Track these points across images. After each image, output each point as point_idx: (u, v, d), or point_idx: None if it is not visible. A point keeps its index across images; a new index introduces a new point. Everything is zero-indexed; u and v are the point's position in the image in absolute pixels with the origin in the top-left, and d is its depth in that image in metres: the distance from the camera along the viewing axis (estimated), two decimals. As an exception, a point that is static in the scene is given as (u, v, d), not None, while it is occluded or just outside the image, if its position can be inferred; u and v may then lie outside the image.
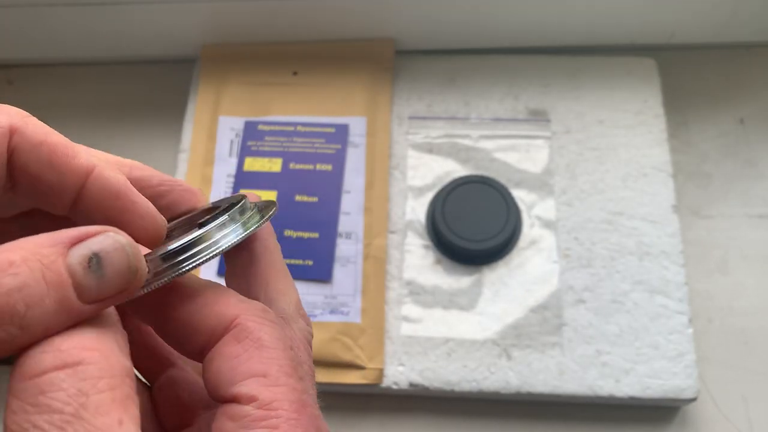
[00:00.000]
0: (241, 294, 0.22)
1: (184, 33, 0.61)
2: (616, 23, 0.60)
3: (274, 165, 0.56)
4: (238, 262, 0.25)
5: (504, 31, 0.60)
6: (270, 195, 0.55)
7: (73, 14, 0.58)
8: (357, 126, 0.58)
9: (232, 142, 0.57)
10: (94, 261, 0.18)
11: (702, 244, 0.55)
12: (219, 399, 0.20)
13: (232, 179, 0.56)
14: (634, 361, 0.49)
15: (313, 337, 0.24)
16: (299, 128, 0.57)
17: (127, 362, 0.19)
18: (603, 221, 0.53)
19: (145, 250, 0.21)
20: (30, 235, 0.18)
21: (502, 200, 0.53)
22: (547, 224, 0.54)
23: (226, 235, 0.21)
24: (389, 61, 0.60)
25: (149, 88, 0.64)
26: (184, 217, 0.25)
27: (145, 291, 0.20)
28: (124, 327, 0.21)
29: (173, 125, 0.60)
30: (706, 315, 0.53)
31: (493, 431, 0.50)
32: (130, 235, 0.20)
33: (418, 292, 0.52)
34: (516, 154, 0.56)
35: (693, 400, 0.48)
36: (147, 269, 0.20)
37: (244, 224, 0.22)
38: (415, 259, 0.53)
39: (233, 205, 0.22)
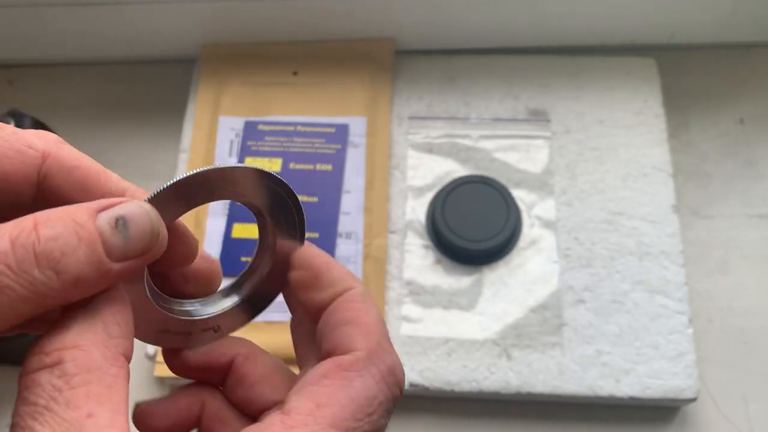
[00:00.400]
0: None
1: (184, 33, 0.61)
2: (616, 23, 0.60)
3: (274, 165, 0.56)
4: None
5: (504, 31, 0.60)
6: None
7: (73, 14, 0.58)
8: (357, 126, 0.58)
9: (232, 142, 0.57)
10: (121, 222, 0.20)
11: (702, 244, 0.55)
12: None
13: (232, 179, 0.56)
14: (634, 361, 0.49)
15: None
16: (299, 128, 0.57)
17: (113, 349, 0.20)
18: (603, 221, 0.53)
19: None
20: None
21: (502, 200, 0.53)
22: (547, 224, 0.54)
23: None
24: (389, 61, 0.60)
25: (149, 88, 0.64)
26: None
27: None
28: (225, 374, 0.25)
29: (173, 125, 0.60)
30: (706, 315, 0.53)
31: (493, 431, 0.50)
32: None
33: (418, 292, 0.52)
34: (516, 154, 0.56)
35: (693, 400, 0.48)
36: (167, 235, 0.21)
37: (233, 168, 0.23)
38: (415, 259, 0.53)
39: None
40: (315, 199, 0.54)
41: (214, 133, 0.58)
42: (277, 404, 0.24)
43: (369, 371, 0.22)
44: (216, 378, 0.26)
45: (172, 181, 0.22)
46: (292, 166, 0.56)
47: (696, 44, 0.62)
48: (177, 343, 0.25)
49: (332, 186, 0.55)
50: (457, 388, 0.49)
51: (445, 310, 0.51)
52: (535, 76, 0.59)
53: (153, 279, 0.24)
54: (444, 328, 0.51)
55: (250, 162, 0.56)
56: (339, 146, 0.57)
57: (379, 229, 0.54)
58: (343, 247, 0.53)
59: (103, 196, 0.22)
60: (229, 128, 0.58)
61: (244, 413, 0.26)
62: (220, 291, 0.27)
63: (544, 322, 0.50)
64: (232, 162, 0.56)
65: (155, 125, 0.62)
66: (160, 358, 0.50)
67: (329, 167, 0.56)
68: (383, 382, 0.22)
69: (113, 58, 0.65)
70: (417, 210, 0.55)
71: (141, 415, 0.25)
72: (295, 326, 0.27)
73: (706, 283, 0.54)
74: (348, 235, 0.54)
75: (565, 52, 0.61)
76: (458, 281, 0.52)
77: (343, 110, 0.58)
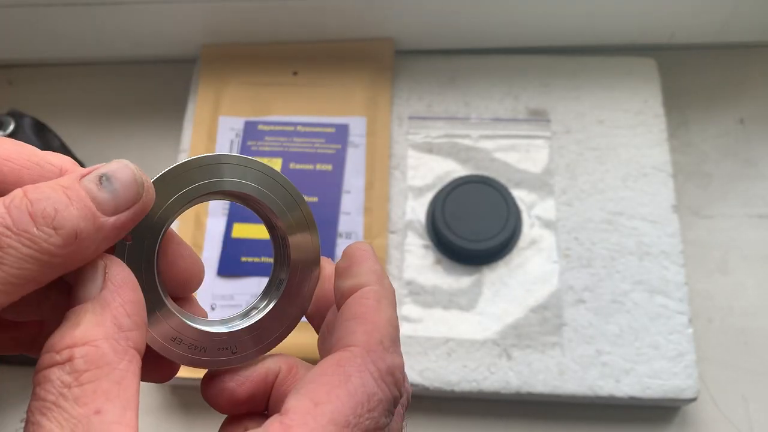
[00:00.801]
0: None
1: (184, 33, 0.61)
2: (616, 23, 0.60)
3: (274, 165, 0.56)
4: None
5: (504, 31, 0.60)
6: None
7: (73, 14, 0.58)
8: (357, 126, 0.58)
9: (232, 142, 0.57)
10: (105, 179, 0.21)
11: (702, 244, 0.55)
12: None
13: (232, 179, 0.56)
14: (634, 361, 0.49)
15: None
16: (299, 128, 0.57)
17: (123, 344, 0.20)
18: (603, 221, 0.53)
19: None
20: None
21: (502, 200, 0.53)
22: (547, 224, 0.54)
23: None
24: (389, 61, 0.60)
25: (149, 88, 0.64)
26: None
27: None
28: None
29: (173, 125, 0.60)
30: (706, 315, 0.53)
31: (493, 431, 0.50)
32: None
33: (418, 292, 0.52)
34: (516, 154, 0.56)
35: (693, 400, 0.48)
36: (152, 185, 0.22)
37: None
38: (415, 259, 0.53)
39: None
40: (315, 199, 0.54)
41: (214, 133, 0.58)
42: None
43: (367, 368, 0.22)
44: (262, 400, 0.25)
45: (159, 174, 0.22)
46: (292, 166, 0.56)
47: (696, 44, 0.62)
48: (185, 360, 0.24)
49: (332, 186, 0.55)
50: (457, 388, 0.49)
51: (445, 310, 0.51)
52: (535, 76, 0.59)
53: None
54: (444, 328, 0.51)
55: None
56: (339, 146, 0.57)
57: (379, 229, 0.54)
58: (343, 247, 0.53)
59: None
60: (229, 128, 0.58)
61: None
62: (240, 313, 0.26)
63: (544, 322, 0.50)
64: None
65: (155, 125, 0.62)
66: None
67: (329, 167, 0.56)
68: (382, 380, 0.22)
69: (113, 58, 0.65)
70: (417, 210, 0.55)
71: (215, 379, 0.25)
72: (321, 345, 0.26)
73: (706, 283, 0.54)
74: (348, 235, 0.54)
75: (565, 52, 0.61)
76: (458, 281, 0.52)
77: (343, 110, 0.58)
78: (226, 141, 0.57)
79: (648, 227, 0.53)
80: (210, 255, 0.52)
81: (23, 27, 0.60)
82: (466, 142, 0.57)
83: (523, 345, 0.50)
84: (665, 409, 0.50)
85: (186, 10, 0.58)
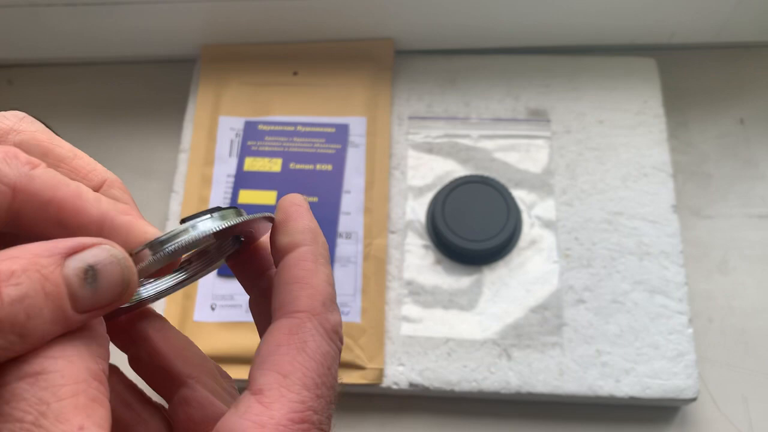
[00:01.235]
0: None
1: (184, 33, 0.61)
2: (616, 23, 0.60)
3: (274, 165, 0.56)
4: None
5: (504, 31, 0.60)
6: (270, 195, 0.55)
7: (73, 14, 0.58)
8: (357, 126, 0.58)
9: (232, 142, 0.57)
10: (91, 273, 0.19)
11: (702, 244, 0.55)
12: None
13: (232, 179, 0.56)
14: (634, 361, 0.49)
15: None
16: (299, 128, 0.57)
17: (95, 365, 0.19)
18: (603, 221, 0.53)
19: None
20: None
21: (502, 200, 0.53)
22: (547, 224, 0.54)
23: (205, 222, 0.22)
24: (389, 61, 0.60)
25: (149, 88, 0.64)
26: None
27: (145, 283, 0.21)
28: (135, 344, 0.24)
29: (173, 125, 0.60)
30: (706, 315, 0.53)
31: (493, 431, 0.50)
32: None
33: (418, 292, 0.52)
34: (516, 154, 0.56)
35: (693, 400, 0.48)
36: (138, 282, 0.21)
37: (222, 217, 0.23)
38: (415, 259, 0.53)
39: (219, 209, 0.24)
40: (315, 199, 0.55)
41: (214, 133, 0.58)
42: (189, 378, 0.25)
43: (317, 331, 0.23)
44: (125, 342, 0.25)
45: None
46: (292, 166, 0.56)
47: (696, 44, 0.62)
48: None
49: (332, 186, 0.55)
50: (457, 388, 0.49)
51: (445, 310, 0.51)
52: (535, 76, 0.59)
53: None
54: (444, 328, 0.51)
55: (251, 162, 0.56)
56: (339, 146, 0.57)
57: (379, 229, 0.54)
58: (343, 247, 0.53)
59: (80, 231, 0.21)
60: (229, 128, 0.58)
61: (154, 387, 0.25)
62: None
63: (544, 322, 0.50)
64: (233, 162, 0.56)
65: (155, 125, 0.62)
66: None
67: (329, 167, 0.56)
68: (330, 339, 0.23)
69: (113, 58, 0.65)
70: (417, 210, 0.55)
71: None
72: (253, 305, 0.27)
73: (706, 283, 0.54)
74: (348, 235, 0.54)
75: (565, 52, 0.61)
76: (458, 281, 0.52)
77: (343, 110, 0.58)
78: (226, 141, 0.57)
79: (648, 227, 0.53)
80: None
81: (23, 27, 0.60)
82: (466, 142, 0.57)
83: (523, 345, 0.50)
84: (665, 409, 0.50)
85: (186, 10, 0.58)
